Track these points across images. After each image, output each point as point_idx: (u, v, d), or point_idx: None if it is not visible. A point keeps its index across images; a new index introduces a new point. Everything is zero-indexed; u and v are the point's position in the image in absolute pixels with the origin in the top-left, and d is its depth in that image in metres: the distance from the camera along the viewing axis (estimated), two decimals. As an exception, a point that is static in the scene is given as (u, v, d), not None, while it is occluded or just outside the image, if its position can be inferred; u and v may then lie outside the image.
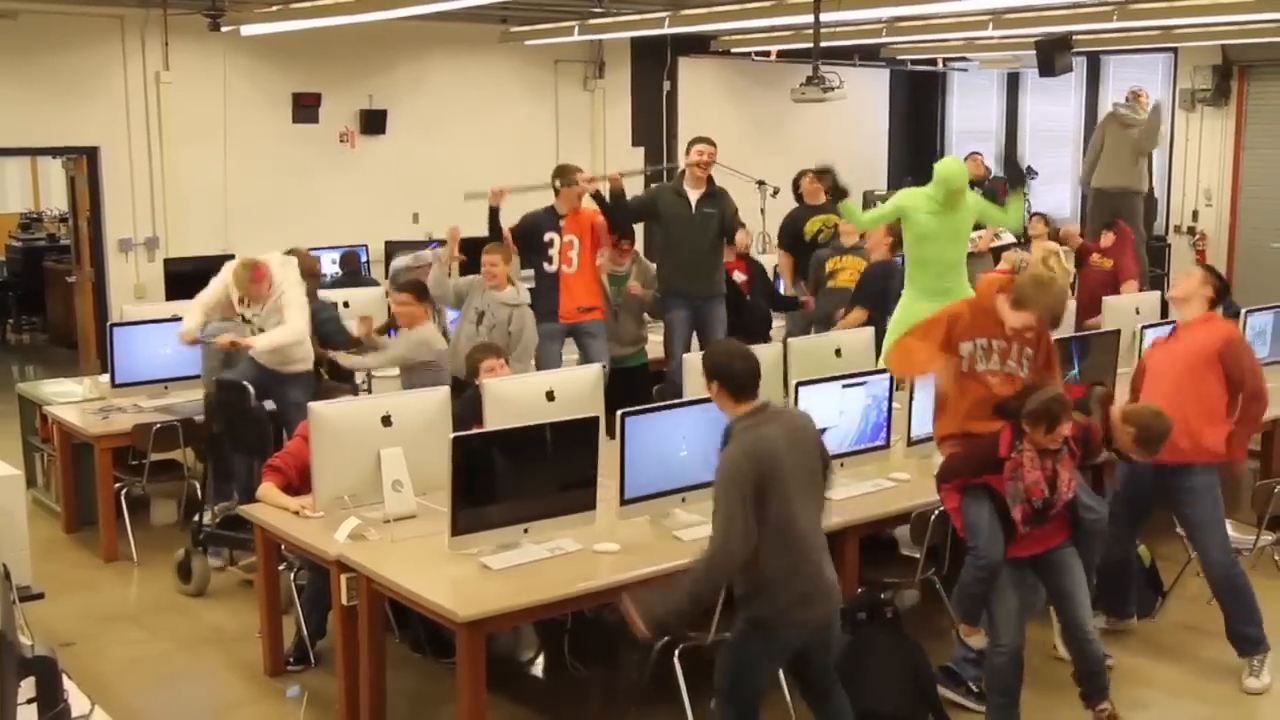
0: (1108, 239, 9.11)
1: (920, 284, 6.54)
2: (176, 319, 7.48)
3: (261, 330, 6.74)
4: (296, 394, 6.58)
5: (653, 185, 8.49)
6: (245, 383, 6.42)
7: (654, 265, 8.03)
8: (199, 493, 6.77)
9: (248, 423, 6.37)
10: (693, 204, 7.60)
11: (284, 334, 6.67)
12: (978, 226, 10.22)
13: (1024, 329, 4.71)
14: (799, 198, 8.75)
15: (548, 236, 7.48)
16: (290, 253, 7.83)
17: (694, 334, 7.77)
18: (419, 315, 6.83)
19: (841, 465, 5.26)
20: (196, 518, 6.36)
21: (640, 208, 7.90)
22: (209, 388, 6.45)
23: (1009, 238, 10.70)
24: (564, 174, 7.55)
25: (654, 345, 8.11)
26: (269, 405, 6.67)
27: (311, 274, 7.68)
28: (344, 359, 7.21)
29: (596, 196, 7.61)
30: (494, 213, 7.49)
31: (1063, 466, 4.48)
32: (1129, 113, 10.90)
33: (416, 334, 6.80)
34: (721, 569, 3.87)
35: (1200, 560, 5.38)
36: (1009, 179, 6.47)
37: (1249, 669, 5.22)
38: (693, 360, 6.19)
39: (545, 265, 7.52)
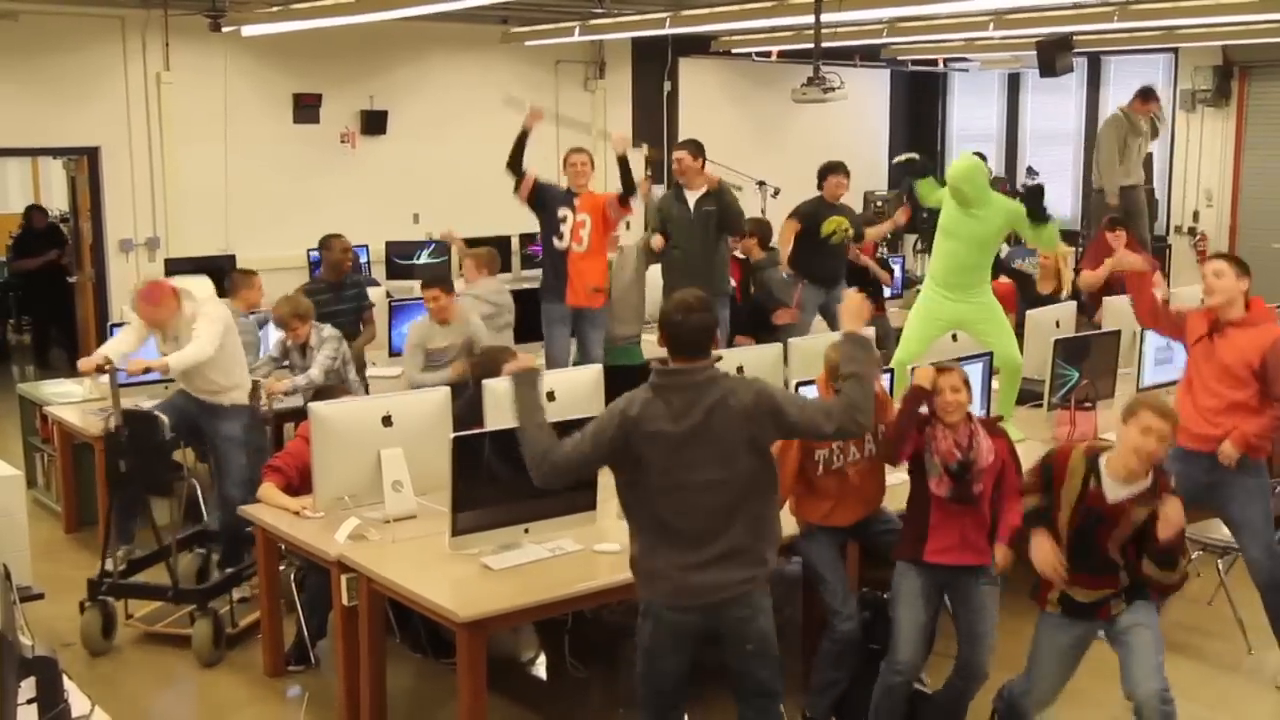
0: (1117, 241, 8.98)
1: (939, 276, 6.40)
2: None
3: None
4: (231, 427, 6.05)
5: (661, 193, 8.49)
6: (158, 414, 5.75)
7: (636, 251, 8.12)
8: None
9: (160, 459, 5.75)
10: (691, 205, 7.70)
11: (196, 349, 5.82)
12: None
13: None
14: (820, 189, 8.65)
15: (561, 213, 7.55)
16: (330, 238, 7.93)
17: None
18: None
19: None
20: (101, 568, 5.65)
21: (655, 218, 8.00)
22: (110, 421, 5.71)
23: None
24: (567, 156, 7.71)
25: (647, 345, 8.16)
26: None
27: (336, 266, 7.76)
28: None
29: (621, 160, 7.63)
30: (523, 136, 7.53)
31: (979, 435, 4.47)
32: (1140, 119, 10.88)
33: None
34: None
35: (1244, 558, 5.35)
36: (1030, 208, 6.22)
37: None
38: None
39: (555, 241, 7.58)
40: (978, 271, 6.30)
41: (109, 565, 5.65)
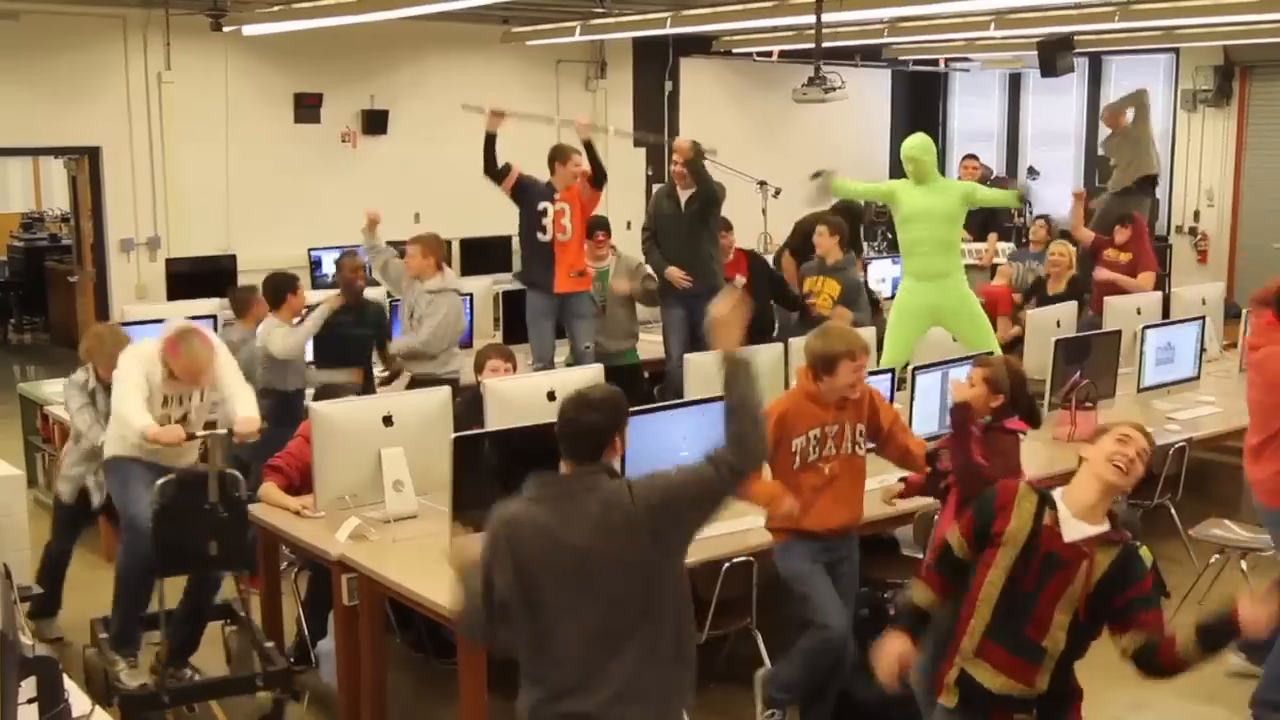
0: (1122, 234, 8.99)
1: (913, 269, 6.52)
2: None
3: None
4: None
5: (655, 188, 8.52)
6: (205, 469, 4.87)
7: (636, 258, 8.14)
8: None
9: (243, 525, 4.88)
10: (682, 202, 7.74)
11: (252, 400, 5.19)
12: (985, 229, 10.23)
13: (847, 386, 4.51)
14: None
15: (541, 206, 7.59)
16: (339, 260, 7.81)
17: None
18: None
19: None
20: (162, 679, 4.81)
21: (650, 222, 8.02)
22: (164, 493, 4.67)
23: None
24: (560, 154, 7.67)
25: (646, 345, 8.17)
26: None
27: (350, 286, 7.28)
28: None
29: (587, 145, 7.66)
30: (490, 140, 7.61)
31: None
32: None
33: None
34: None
35: None
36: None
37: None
38: (692, 359, 6.21)
39: (540, 235, 7.62)
40: (948, 252, 6.40)
41: (132, 672, 4.90)
